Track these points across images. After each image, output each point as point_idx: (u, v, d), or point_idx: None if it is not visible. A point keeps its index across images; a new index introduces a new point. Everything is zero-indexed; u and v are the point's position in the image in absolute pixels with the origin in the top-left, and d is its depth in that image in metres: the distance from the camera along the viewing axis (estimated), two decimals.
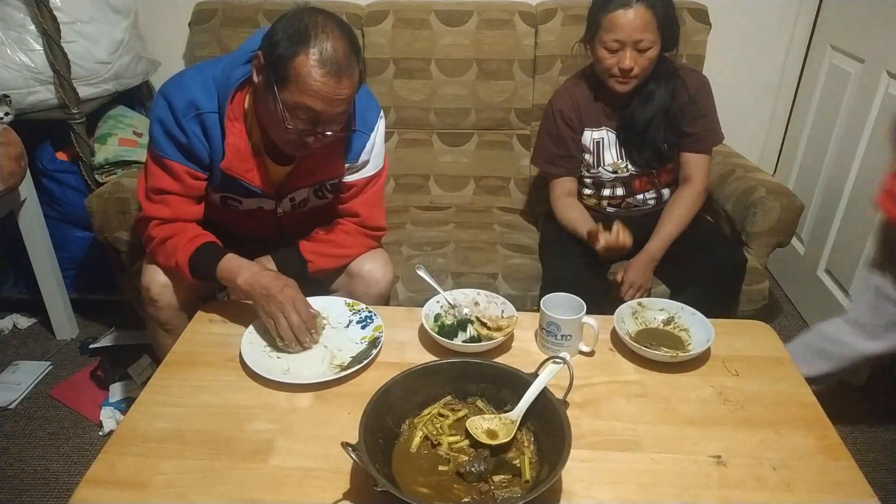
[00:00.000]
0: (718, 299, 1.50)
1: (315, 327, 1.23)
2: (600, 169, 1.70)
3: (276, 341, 1.21)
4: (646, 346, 1.18)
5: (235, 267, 1.28)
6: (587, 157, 1.71)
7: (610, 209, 1.77)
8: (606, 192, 1.75)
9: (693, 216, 1.67)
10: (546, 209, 1.83)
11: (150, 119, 1.32)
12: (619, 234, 1.49)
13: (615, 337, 1.25)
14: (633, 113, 1.62)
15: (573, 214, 1.67)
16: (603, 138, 1.68)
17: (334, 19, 1.18)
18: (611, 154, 1.68)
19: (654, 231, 1.65)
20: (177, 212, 1.34)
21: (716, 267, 1.58)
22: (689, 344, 1.23)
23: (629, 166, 1.68)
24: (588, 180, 1.75)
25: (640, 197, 1.74)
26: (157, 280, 1.36)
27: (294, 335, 1.19)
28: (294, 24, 1.15)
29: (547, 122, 1.74)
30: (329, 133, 1.23)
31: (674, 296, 1.64)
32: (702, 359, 1.20)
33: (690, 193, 1.66)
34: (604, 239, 1.49)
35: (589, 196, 1.78)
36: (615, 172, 1.70)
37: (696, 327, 1.25)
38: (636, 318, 1.28)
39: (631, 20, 1.45)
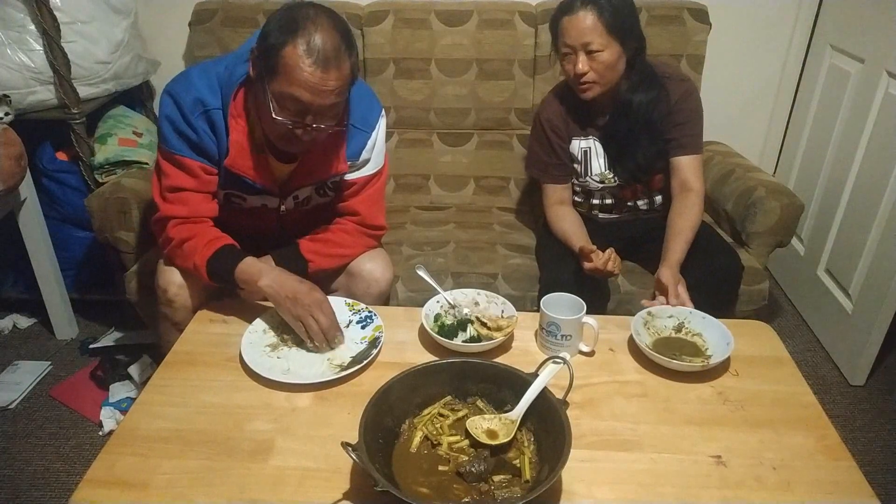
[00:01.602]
0: (716, 303, 1.48)
1: (340, 328, 1.25)
2: (588, 178, 1.69)
3: (301, 342, 1.24)
4: (671, 358, 1.15)
5: (256, 270, 1.29)
6: (575, 165, 1.70)
7: (601, 215, 1.76)
8: (596, 200, 1.74)
9: (701, 217, 1.61)
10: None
11: (159, 118, 1.32)
12: (609, 263, 1.46)
13: (634, 346, 1.22)
14: (614, 125, 1.62)
15: (566, 226, 1.65)
16: (590, 147, 1.67)
17: (327, 13, 1.18)
18: (598, 164, 1.67)
19: (670, 237, 1.56)
20: (194, 209, 1.34)
21: (713, 272, 1.56)
22: (707, 349, 1.22)
23: (616, 178, 1.67)
24: (577, 188, 1.74)
25: (629, 204, 1.73)
26: (174, 281, 1.35)
27: (324, 336, 1.21)
28: (286, 17, 1.16)
29: (535, 131, 1.74)
30: (320, 127, 1.22)
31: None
32: None
33: (696, 199, 1.59)
34: (595, 261, 1.47)
35: (579, 203, 1.77)
36: (602, 182, 1.69)
37: (708, 331, 1.25)
38: (647, 328, 1.27)
39: (576, 24, 1.47)
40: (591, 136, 1.67)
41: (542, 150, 1.71)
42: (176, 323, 1.39)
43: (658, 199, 1.73)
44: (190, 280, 1.35)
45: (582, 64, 1.49)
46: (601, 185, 1.70)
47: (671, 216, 1.59)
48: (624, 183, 1.68)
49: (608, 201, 1.73)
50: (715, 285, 1.55)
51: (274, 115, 1.19)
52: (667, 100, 1.59)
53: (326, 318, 1.22)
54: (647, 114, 1.58)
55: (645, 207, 1.74)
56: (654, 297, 1.44)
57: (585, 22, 1.46)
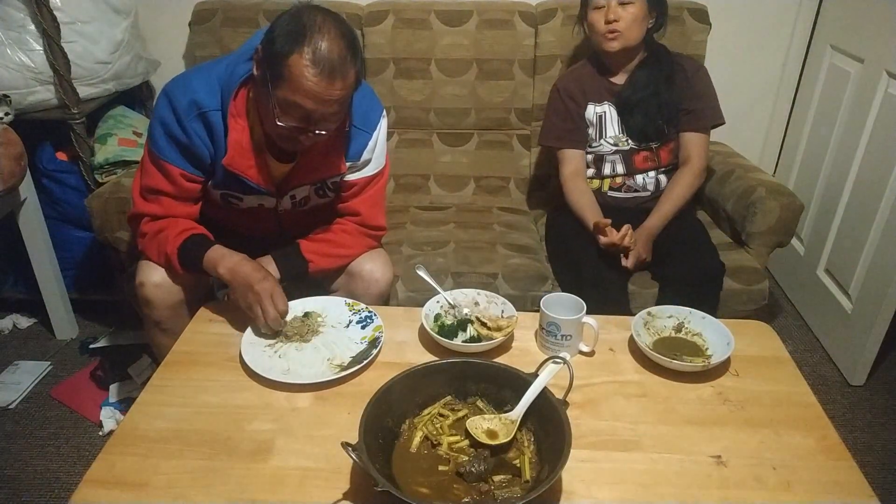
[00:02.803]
0: (697, 302, 1.48)
1: (284, 318, 1.26)
2: (602, 141, 1.77)
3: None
4: (671, 358, 1.15)
5: (219, 256, 1.30)
6: (590, 130, 1.78)
7: (611, 192, 1.80)
8: (607, 169, 1.79)
9: (691, 196, 1.76)
10: (548, 209, 1.83)
11: (152, 118, 1.33)
12: (626, 238, 1.55)
13: (634, 346, 1.22)
14: (630, 88, 1.73)
15: (583, 200, 1.73)
16: (605, 112, 1.77)
17: (334, 19, 1.18)
18: (612, 128, 1.77)
19: (654, 208, 1.72)
20: (168, 210, 1.35)
21: (692, 271, 1.59)
22: (707, 349, 1.22)
23: (629, 140, 1.76)
24: (590, 157, 1.81)
25: (639, 179, 1.77)
26: (150, 279, 1.36)
27: (269, 326, 1.23)
28: (293, 22, 1.15)
29: (553, 100, 1.84)
30: (322, 132, 1.23)
31: (660, 296, 1.63)
32: None
33: (689, 174, 1.74)
34: (611, 236, 1.56)
35: (591, 178, 1.82)
36: (616, 145, 1.76)
37: (708, 331, 1.25)
38: (647, 328, 1.27)
39: None
40: (606, 102, 1.77)
41: (559, 117, 1.80)
42: (156, 321, 1.40)
43: (663, 178, 1.79)
44: (166, 278, 1.36)
45: (613, 12, 1.63)
46: (614, 149, 1.77)
47: (665, 187, 1.77)
48: (636, 146, 1.76)
49: (619, 169, 1.79)
50: (695, 285, 1.57)
51: (278, 121, 1.19)
52: (683, 73, 1.73)
53: (273, 311, 1.22)
54: (665, 84, 1.70)
55: (651, 188, 1.78)
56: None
57: None
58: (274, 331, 1.24)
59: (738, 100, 2.34)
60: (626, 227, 1.57)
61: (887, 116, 1.84)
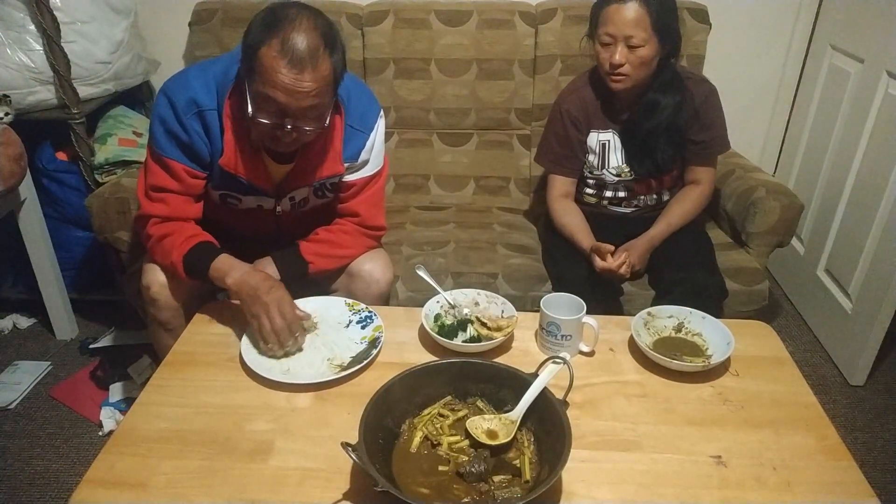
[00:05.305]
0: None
1: (300, 331, 1.21)
2: (604, 171, 1.70)
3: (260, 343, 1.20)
4: (671, 358, 1.15)
5: (227, 266, 1.27)
6: (592, 158, 1.70)
7: (611, 207, 1.78)
8: (609, 193, 1.75)
9: (698, 213, 1.71)
10: (546, 209, 1.82)
11: (152, 117, 1.33)
12: (623, 267, 1.50)
13: (634, 346, 1.22)
14: (635, 122, 1.63)
15: (572, 221, 1.67)
16: (609, 140, 1.68)
17: (310, 12, 1.17)
18: (616, 157, 1.68)
19: (659, 217, 1.67)
20: (175, 210, 1.34)
21: (694, 289, 1.52)
22: (707, 349, 1.22)
23: (632, 172, 1.69)
24: (591, 181, 1.75)
25: (642, 198, 1.75)
26: (157, 280, 1.36)
27: (276, 338, 1.17)
28: (268, 16, 1.16)
29: (553, 121, 1.73)
30: (307, 129, 1.21)
31: (658, 300, 1.61)
32: None
33: (700, 194, 1.69)
34: (610, 262, 1.50)
35: (590, 195, 1.77)
36: (619, 175, 1.70)
37: (708, 331, 1.24)
38: (648, 328, 1.26)
39: (623, 15, 1.47)
40: (610, 130, 1.68)
41: (557, 140, 1.71)
42: (162, 322, 1.39)
43: (666, 196, 1.75)
44: (173, 279, 1.36)
45: (620, 55, 1.49)
46: (617, 179, 1.71)
47: (670, 201, 1.70)
48: (640, 178, 1.70)
49: (621, 194, 1.74)
50: (692, 304, 1.51)
51: (255, 117, 1.18)
52: (691, 102, 1.61)
53: (281, 320, 1.17)
54: (672, 116, 1.59)
55: (653, 203, 1.76)
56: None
57: (632, 14, 1.46)
58: (281, 346, 1.17)
59: (738, 100, 2.34)
60: (625, 254, 1.51)
61: (887, 116, 1.84)
